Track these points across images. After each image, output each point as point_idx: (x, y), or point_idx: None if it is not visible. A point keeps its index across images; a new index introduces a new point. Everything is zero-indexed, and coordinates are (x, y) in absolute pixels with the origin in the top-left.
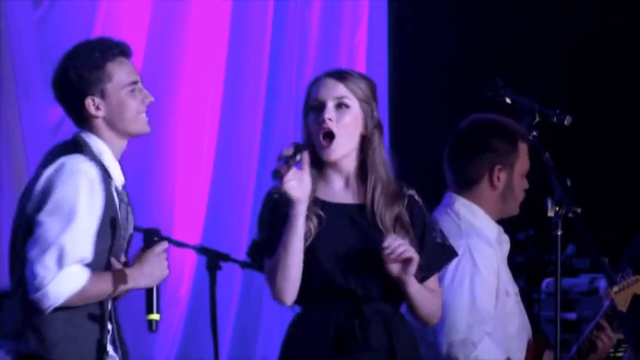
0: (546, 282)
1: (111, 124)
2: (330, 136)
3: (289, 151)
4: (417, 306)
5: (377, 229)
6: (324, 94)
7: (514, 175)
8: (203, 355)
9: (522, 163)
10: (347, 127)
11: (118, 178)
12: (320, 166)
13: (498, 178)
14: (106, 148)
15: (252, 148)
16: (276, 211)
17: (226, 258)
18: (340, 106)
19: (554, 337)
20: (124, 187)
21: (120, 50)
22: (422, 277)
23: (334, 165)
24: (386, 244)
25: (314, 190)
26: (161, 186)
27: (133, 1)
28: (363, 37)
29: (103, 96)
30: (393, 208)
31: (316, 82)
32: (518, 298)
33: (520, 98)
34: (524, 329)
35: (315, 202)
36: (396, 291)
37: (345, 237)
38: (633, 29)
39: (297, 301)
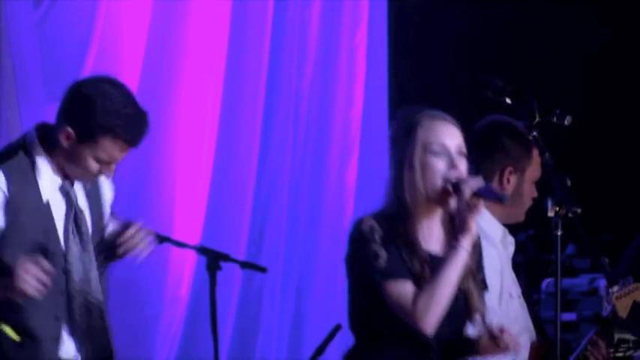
0: (546, 282)
1: (66, 157)
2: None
3: (495, 189)
4: None
5: None
6: (453, 143)
7: (524, 181)
8: (203, 355)
9: (534, 169)
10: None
11: (53, 180)
12: (429, 217)
13: (508, 180)
14: (43, 158)
15: (252, 148)
16: (379, 236)
17: (226, 258)
18: (461, 155)
19: (554, 337)
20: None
21: (131, 138)
22: None
23: (439, 215)
24: (497, 332)
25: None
26: (161, 186)
27: (133, 1)
28: (363, 37)
29: (81, 140)
30: (469, 263)
31: (442, 127)
32: (522, 300)
33: (520, 98)
34: (527, 331)
35: (423, 252)
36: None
37: None
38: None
39: (372, 337)
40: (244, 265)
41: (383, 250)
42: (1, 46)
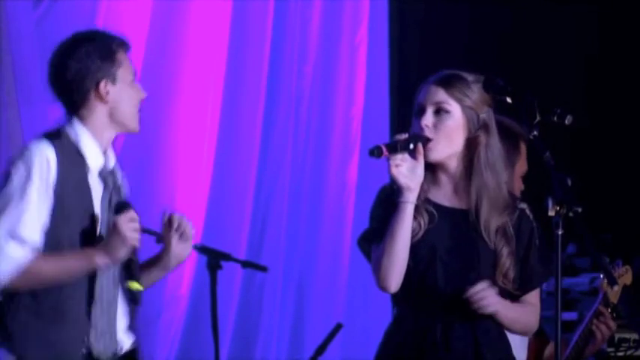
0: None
1: (112, 112)
2: (429, 141)
3: (402, 137)
4: (509, 326)
5: (478, 234)
6: (424, 99)
7: (514, 176)
8: (203, 354)
9: (522, 164)
10: (446, 131)
11: (97, 164)
12: (433, 170)
13: None
14: (87, 134)
15: (252, 148)
16: (387, 204)
17: (227, 257)
18: (439, 111)
19: (555, 337)
20: (116, 173)
21: (123, 41)
22: (522, 291)
23: (443, 168)
24: (469, 293)
25: (426, 190)
26: (161, 186)
27: (133, 1)
28: (364, 37)
29: (114, 81)
30: (498, 217)
31: (421, 87)
32: None
33: (521, 97)
34: None
35: (428, 202)
36: None
37: (445, 240)
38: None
39: (395, 300)
40: (245, 264)
41: (378, 215)
42: (1, 46)
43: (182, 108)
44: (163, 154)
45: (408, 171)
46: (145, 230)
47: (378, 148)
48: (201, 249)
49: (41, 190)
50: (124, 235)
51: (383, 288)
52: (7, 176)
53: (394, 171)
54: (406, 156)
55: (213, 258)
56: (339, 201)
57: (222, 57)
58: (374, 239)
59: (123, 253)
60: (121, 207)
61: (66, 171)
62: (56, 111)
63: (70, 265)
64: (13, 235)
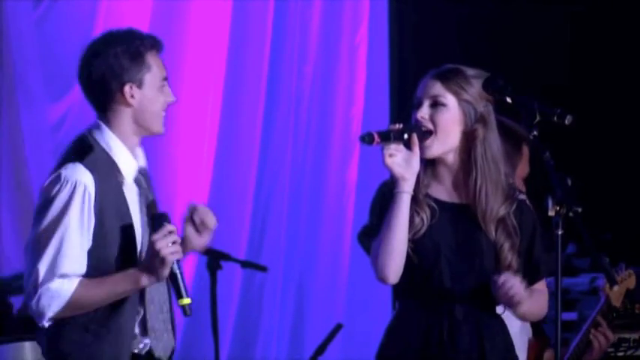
0: (547, 281)
1: (137, 115)
2: (427, 133)
3: (396, 127)
4: (525, 315)
5: (480, 228)
6: (422, 92)
7: (515, 178)
8: (203, 354)
9: (523, 166)
10: (442, 125)
11: (131, 170)
12: (432, 165)
13: None
14: (118, 142)
15: (252, 147)
16: (386, 198)
17: (227, 257)
18: (436, 104)
19: (555, 337)
20: (145, 170)
21: (155, 42)
22: (530, 282)
23: (442, 163)
24: (500, 281)
25: (427, 186)
26: (161, 185)
27: (133, 1)
28: (364, 37)
29: (140, 85)
30: (498, 211)
31: (420, 81)
32: None
33: (521, 97)
34: (525, 328)
35: (429, 198)
36: (491, 292)
37: (449, 236)
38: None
39: (398, 295)
40: (245, 264)
41: (378, 210)
42: (1, 46)
43: (182, 108)
44: (163, 154)
45: (402, 161)
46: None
47: (370, 134)
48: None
49: (82, 218)
50: (163, 255)
51: (381, 279)
52: (43, 209)
53: (388, 161)
54: (401, 146)
55: (213, 258)
56: (339, 201)
57: (222, 57)
58: (373, 234)
59: (166, 271)
60: (157, 220)
61: (104, 190)
62: (56, 110)
63: (115, 289)
64: (57, 272)
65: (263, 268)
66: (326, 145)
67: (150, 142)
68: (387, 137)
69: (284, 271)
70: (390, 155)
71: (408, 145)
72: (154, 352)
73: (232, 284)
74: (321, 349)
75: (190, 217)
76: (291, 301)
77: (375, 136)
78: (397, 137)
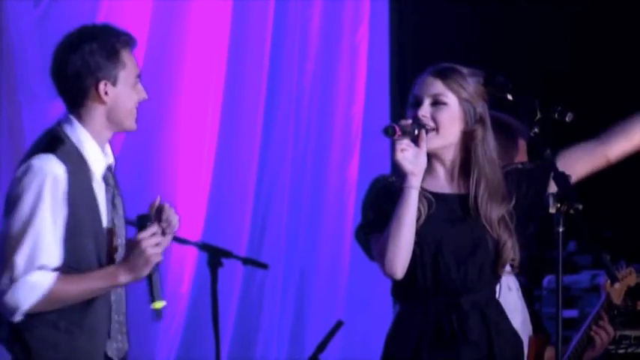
0: (548, 279)
1: (110, 112)
2: (425, 128)
3: (407, 122)
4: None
5: (478, 221)
6: (421, 90)
7: None
8: (204, 352)
9: (521, 159)
10: (444, 124)
11: (99, 167)
12: (428, 160)
13: None
14: (88, 137)
15: (253, 147)
16: (382, 193)
17: (227, 254)
18: (437, 103)
19: (556, 334)
20: (113, 168)
21: (130, 39)
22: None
23: (438, 158)
24: None
25: (421, 179)
26: (162, 183)
27: (134, 1)
28: (364, 36)
29: (114, 82)
30: (498, 208)
31: (417, 79)
32: (520, 293)
33: (521, 95)
34: (525, 325)
35: (424, 190)
36: (492, 279)
37: (446, 226)
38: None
39: (398, 296)
40: (246, 261)
41: (374, 206)
42: (2, 45)
43: (183, 107)
44: (164, 153)
45: (412, 157)
46: (128, 222)
47: (392, 127)
48: (202, 246)
49: (55, 208)
50: (148, 255)
51: (389, 274)
52: (16, 199)
53: (399, 156)
54: (410, 142)
55: (213, 255)
56: (339, 199)
57: (223, 56)
58: (372, 230)
59: (146, 271)
60: (141, 222)
61: (74, 182)
62: (57, 109)
63: (93, 285)
64: (34, 264)
65: (264, 266)
66: (326, 144)
67: (150, 142)
68: (406, 132)
69: (284, 268)
70: (402, 150)
71: (415, 141)
72: (107, 352)
73: (233, 282)
74: (321, 347)
75: (157, 217)
76: (292, 299)
77: (397, 130)
78: (409, 132)
